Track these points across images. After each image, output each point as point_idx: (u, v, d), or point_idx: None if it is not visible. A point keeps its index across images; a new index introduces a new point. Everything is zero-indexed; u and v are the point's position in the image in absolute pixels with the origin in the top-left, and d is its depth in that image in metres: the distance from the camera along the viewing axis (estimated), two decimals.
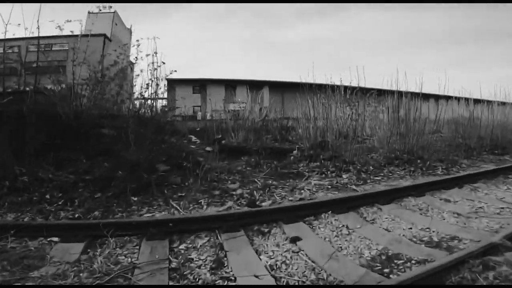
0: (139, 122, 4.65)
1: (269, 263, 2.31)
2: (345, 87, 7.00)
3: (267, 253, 2.47)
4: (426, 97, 7.31)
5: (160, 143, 4.83)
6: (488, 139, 8.25)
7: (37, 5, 4.45)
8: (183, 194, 3.76)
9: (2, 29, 4.18)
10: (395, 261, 2.35)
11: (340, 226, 2.97)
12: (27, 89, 4.12)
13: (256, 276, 2.10)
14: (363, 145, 6.28)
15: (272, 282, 2.05)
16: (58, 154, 3.96)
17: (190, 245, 2.61)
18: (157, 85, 5.05)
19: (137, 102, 5.12)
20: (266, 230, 2.84)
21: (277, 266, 2.27)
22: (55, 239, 2.63)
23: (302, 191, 4.08)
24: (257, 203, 3.50)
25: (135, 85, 5.01)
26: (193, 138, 7.76)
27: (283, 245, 2.59)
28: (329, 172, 5.00)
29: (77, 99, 4.45)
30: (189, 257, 2.43)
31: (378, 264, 2.30)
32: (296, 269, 2.22)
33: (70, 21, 4.87)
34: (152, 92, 5.07)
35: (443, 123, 8.32)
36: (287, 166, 5.31)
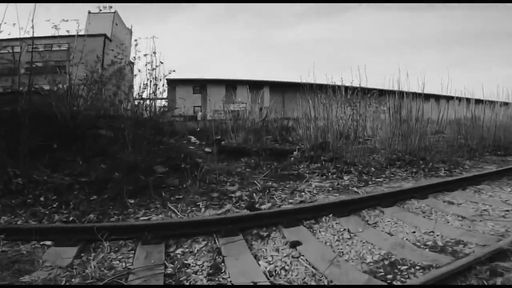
0: (137, 123, 4.58)
1: (268, 268, 2.23)
2: (346, 87, 6.92)
3: (266, 258, 2.39)
4: (427, 97, 7.23)
5: (158, 144, 4.76)
6: (490, 140, 8.16)
7: (35, 5, 4.37)
8: (181, 197, 3.68)
9: None
10: (399, 266, 2.26)
11: (342, 230, 2.89)
12: (21, 88, 4.05)
13: (254, 283, 2.03)
14: (365, 146, 6.19)
15: None
16: (54, 155, 3.89)
17: (187, 250, 2.54)
18: (156, 85, 4.99)
19: (135, 103, 5.04)
20: (265, 234, 2.76)
21: (276, 272, 2.19)
22: (48, 242, 2.56)
23: (303, 193, 4.00)
24: (257, 205, 3.42)
25: (134, 85, 4.93)
26: (193, 139, 7.71)
27: (282, 249, 2.51)
28: (330, 174, 4.92)
29: (73, 99, 4.37)
30: (186, 262, 2.36)
31: (381, 270, 2.22)
32: (296, 275, 2.14)
33: (67, 20, 4.80)
34: (151, 92, 5.00)
35: (445, 123, 8.23)
36: (287, 167, 5.23)
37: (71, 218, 2.99)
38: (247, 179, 4.51)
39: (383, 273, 2.17)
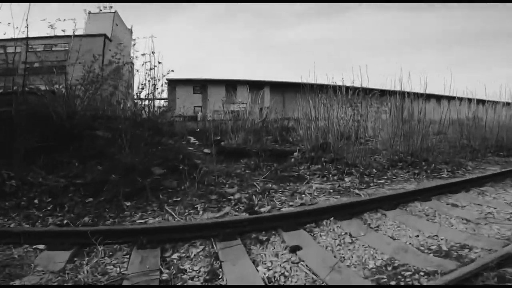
0: (135, 124, 4.51)
1: (266, 275, 2.15)
2: (347, 87, 6.84)
3: (265, 264, 2.31)
4: (428, 97, 7.13)
5: (156, 145, 4.70)
6: (493, 141, 8.07)
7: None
8: (179, 199, 3.61)
9: None
10: (402, 272, 2.19)
11: (343, 233, 2.81)
12: (15, 89, 3.98)
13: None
14: (366, 146, 6.11)
15: None
16: (50, 157, 3.82)
17: (184, 255, 2.46)
18: (154, 85, 4.92)
19: (134, 103, 4.97)
20: (264, 238, 2.68)
21: (275, 279, 2.11)
22: (41, 246, 2.50)
23: (303, 195, 3.92)
24: (256, 208, 3.35)
25: (133, 85, 4.85)
26: (192, 140, 7.63)
27: (282, 254, 2.43)
28: (331, 175, 4.84)
29: (70, 99, 4.30)
30: (182, 267, 2.28)
31: (384, 277, 2.14)
32: (296, 282, 2.07)
33: (65, 20, 4.73)
34: (149, 92, 4.93)
35: (448, 124, 8.15)
36: (288, 168, 5.15)
37: (65, 221, 2.92)
38: (246, 180, 4.43)
39: (386, 280, 2.09)
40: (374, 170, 5.18)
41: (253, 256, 2.42)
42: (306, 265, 2.27)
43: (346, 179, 4.70)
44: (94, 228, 2.66)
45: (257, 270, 2.22)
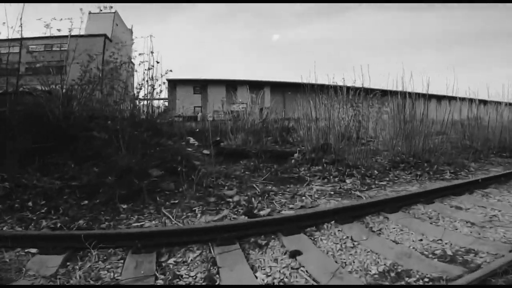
0: (133, 124, 4.43)
1: (265, 281, 2.08)
2: (348, 88, 6.76)
3: (264, 269, 2.24)
4: (429, 97, 7.05)
5: (155, 146, 4.62)
6: (496, 141, 7.98)
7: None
8: (176, 201, 3.53)
9: None
10: (406, 278, 2.12)
11: (344, 237, 2.73)
12: (10, 89, 3.91)
13: None
14: (367, 147, 6.02)
15: None
16: (45, 158, 3.75)
17: (180, 259, 2.39)
18: (152, 85, 4.85)
19: (131, 103, 4.90)
20: (263, 242, 2.60)
21: (274, 285, 2.04)
22: (33, 250, 2.43)
23: (303, 197, 3.84)
24: (255, 211, 3.27)
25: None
26: (191, 140, 7.56)
27: (281, 260, 2.35)
28: (331, 177, 4.75)
29: (67, 100, 4.23)
30: (178, 273, 2.21)
31: (387, 283, 2.06)
32: None
33: (62, 19, 4.66)
34: (147, 92, 4.86)
35: (451, 124, 8.06)
36: (288, 170, 5.07)
37: (59, 225, 2.85)
38: (245, 182, 4.35)
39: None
40: (376, 171, 5.10)
41: (251, 262, 2.34)
42: (306, 271, 2.20)
43: (347, 181, 4.62)
44: (87, 232, 2.59)
45: (255, 276, 2.14)
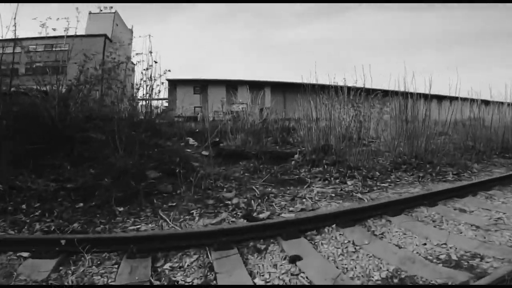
0: (131, 125, 4.36)
1: None
2: (349, 88, 6.68)
3: (263, 275, 2.16)
4: (430, 98, 6.96)
5: (153, 147, 4.55)
6: (499, 142, 7.89)
7: (17, 4, 4.18)
8: (174, 204, 3.46)
9: None
10: (410, 285, 2.04)
11: (346, 242, 2.65)
12: (4, 89, 3.84)
13: None
14: (368, 148, 5.94)
15: None
16: (40, 160, 3.67)
17: (176, 265, 2.32)
18: (151, 85, 4.78)
19: (129, 104, 4.82)
20: (262, 247, 2.52)
21: (274, 285, 1.98)
22: (25, 254, 2.37)
23: (304, 199, 3.76)
24: (254, 214, 3.19)
25: (126, 85, 4.69)
26: (191, 141, 7.49)
27: (281, 265, 2.28)
28: (332, 179, 4.67)
29: (63, 100, 4.15)
30: (174, 279, 2.15)
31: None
32: None
33: (58, 19, 4.59)
34: (145, 93, 4.80)
35: (454, 125, 7.97)
36: (288, 171, 5.00)
37: (52, 228, 2.78)
38: (245, 184, 4.27)
39: None
40: (377, 173, 5.02)
41: (250, 267, 2.27)
42: (307, 277, 2.12)
43: (349, 183, 4.54)
44: (81, 236, 2.51)
45: (254, 282, 2.07)
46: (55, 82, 4.11)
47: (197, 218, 3.17)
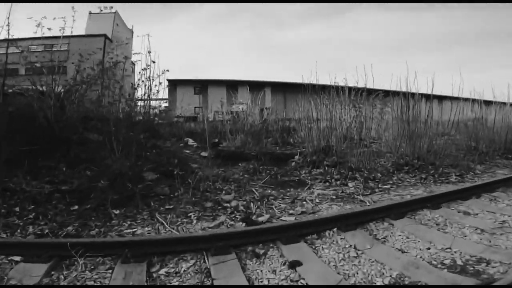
0: (128, 126, 4.29)
1: None
2: (350, 88, 6.60)
3: (261, 282, 2.09)
4: (429, 97, 6.88)
5: (150, 148, 4.48)
6: (502, 143, 7.80)
7: (11, 4, 4.12)
8: (171, 207, 3.38)
9: None
10: None
11: (347, 246, 2.57)
12: None
13: None
14: (370, 149, 5.85)
15: None
16: (36, 161, 3.60)
17: (172, 270, 2.24)
18: (149, 85, 4.70)
19: (127, 104, 4.75)
20: (261, 252, 2.44)
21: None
22: (17, 258, 2.31)
23: (304, 202, 3.69)
24: (253, 217, 3.11)
25: (123, 85, 4.61)
26: (190, 141, 7.42)
27: (280, 271, 2.20)
28: (333, 180, 4.59)
29: (59, 100, 4.08)
30: (169, 285, 2.07)
31: None
32: None
33: (55, 18, 4.53)
34: (144, 93, 4.72)
35: (456, 125, 7.89)
36: (288, 173, 4.92)
37: (46, 231, 2.71)
38: (244, 186, 4.19)
39: None
40: (379, 174, 4.93)
41: (248, 273, 2.19)
42: (307, 284, 2.05)
43: (350, 185, 4.46)
44: (74, 240, 2.44)
45: None
46: (51, 82, 4.03)
47: (194, 221, 3.10)
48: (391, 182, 4.75)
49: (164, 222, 3.02)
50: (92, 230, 2.83)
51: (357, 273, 2.19)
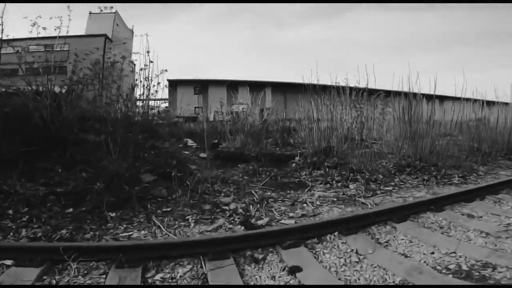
0: (126, 126, 4.22)
1: None
2: (351, 88, 6.52)
3: None
4: (430, 98, 6.80)
5: (148, 149, 4.41)
6: (504, 143, 7.71)
7: (5, 4, 4.06)
8: (169, 209, 3.30)
9: None
10: None
11: (349, 251, 2.50)
12: None
13: None
14: (371, 150, 5.78)
15: None
16: (31, 163, 3.54)
17: (168, 275, 2.17)
18: (148, 85, 4.64)
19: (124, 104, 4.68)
20: (260, 256, 2.37)
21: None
22: (8, 262, 2.25)
23: (304, 204, 3.61)
24: (253, 220, 3.04)
25: (121, 85, 4.54)
26: (190, 142, 7.35)
27: (279, 277, 2.13)
28: (334, 182, 4.51)
29: (55, 101, 4.02)
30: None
31: None
32: None
33: (51, 18, 4.47)
34: (142, 93, 4.66)
35: (459, 126, 7.81)
36: (288, 174, 4.84)
37: (39, 234, 2.64)
38: (243, 188, 4.11)
39: None
40: (381, 176, 4.85)
41: (246, 279, 2.12)
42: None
43: (351, 186, 4.38)
44: (67, 243, 2.37)
45: None
46: (47, 82, 3.97)
47: (192, 224, 3.03)
48: (393, 183, 4.67)
49: (161, 225, 2.95)
50: (86, 234, 2.76)
51: (359, 279, 2.12)
